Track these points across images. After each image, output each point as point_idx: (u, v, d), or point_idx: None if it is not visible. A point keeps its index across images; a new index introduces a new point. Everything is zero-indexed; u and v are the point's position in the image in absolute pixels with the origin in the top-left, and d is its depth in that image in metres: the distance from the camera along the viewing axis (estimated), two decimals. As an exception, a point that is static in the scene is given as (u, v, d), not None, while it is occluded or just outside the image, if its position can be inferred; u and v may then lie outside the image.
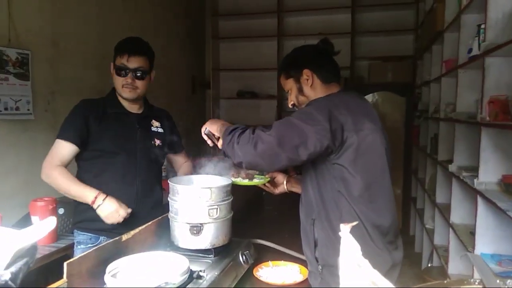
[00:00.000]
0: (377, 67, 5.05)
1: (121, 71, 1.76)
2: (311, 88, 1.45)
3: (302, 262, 1.54)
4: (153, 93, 1.86)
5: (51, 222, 0.56)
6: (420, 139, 4.30)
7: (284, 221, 2.14)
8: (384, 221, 1.34)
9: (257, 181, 1.67)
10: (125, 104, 1.85)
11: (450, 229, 2.69)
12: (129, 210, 1.68)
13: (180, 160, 2.07)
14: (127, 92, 1.78)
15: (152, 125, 1.89)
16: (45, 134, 2.90)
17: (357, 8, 5.04)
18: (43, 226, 0.55)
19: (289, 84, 1.50)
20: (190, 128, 4.57)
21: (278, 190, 1.71)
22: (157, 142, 1.87)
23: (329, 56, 1.50)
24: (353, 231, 1.26)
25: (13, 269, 0.50)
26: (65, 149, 1.71)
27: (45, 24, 3.00)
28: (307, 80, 1.45)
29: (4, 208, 2.11)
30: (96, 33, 3.50)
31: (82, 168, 1.81)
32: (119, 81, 1.78)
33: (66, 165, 1.73)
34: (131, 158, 1.79)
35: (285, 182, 1.69)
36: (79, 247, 1.79)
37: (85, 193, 1.66)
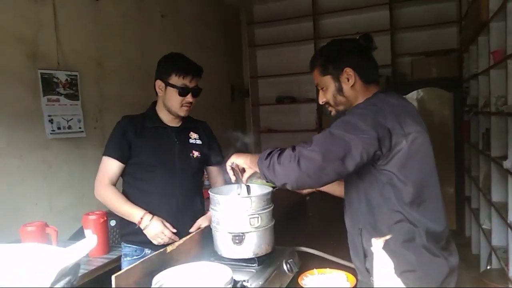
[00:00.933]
0: (420, 63, 4.86)
1: (184, 91, 1.80)
2: (352, 89, 1.35)
3: (349, 270, 1.50)
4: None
5: (92, 241, 0.59)
6: (471, 135, 4.08)
7: (329, 227, 2.11)
8: (437, 226, 1.26)
9: None
10: (166, 118, 1.89)
11: (509, 229, 2.53)
12: (174, 231, 1.74)
13: (213, 172, 2.04)
14: (185, 110, 1.84)
15: (190, 137, 1.92)
16: (95, 150, 3.05)
17: (395, 4, 4.89)
18: (85, 244, 0.58)
19: (326, 82, 1.39)
20: (230, 136, 4.62)
21: (305, 190, 1.65)
22: (196, 154, 1.90)
23: (370, 54, 1.40)
24: (406, 239, 1.19)
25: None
26: (111, 165, 1.80)
27: (90, 45, 3.17)
28: (348, 79, 1.35)
29: (59, 223, 2.23)
30: (138, 51, 3.65)
31: (126, 183, 1.88)
32: (178, 100, 1.80)
33: (115, 182, 1.83)
34: (170, 171, 1.82)
35: None
36: (125, 259, 1.87)
37: (133, 213, 1.74)
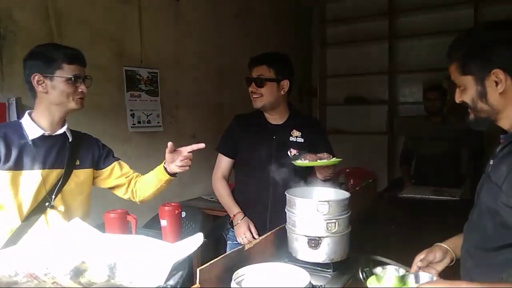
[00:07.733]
0: None
1: (247, 82, 1.93)
2: (501, 96, 1.04)
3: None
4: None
5: (199, 238, 0.62)
6: None
7: (401, 234, 2.03)
8: None
9: (325, 161, 1.69)
10: (267, 116, 2.01)
11: None
12: (256, 237, 1.90)
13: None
14: (253, 101, 1.94)
15: (292, 135, 1.97)
16: (170, 144, 3.20)
17: (481, 1, 4.55)
18: (193, 241, 0.61)
19: (464, 82, 1.09)
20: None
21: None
22: (293, 152, 1.94)
23: None
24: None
25: (171, 282, 0.55)
26: (222, 161, 2.07)
27: (170, 45, 3.33)
28: (497, 83, 1.03)
29: (136, 211, 2.36)
30: (213, 51, 3.75)
31: (235, 176, 2.11)
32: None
33: (227, 175, 2.09)
34: (265, 167, 1.90)
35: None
36: (228, 242, 2.13)
37: (230, 209, 2.04)
